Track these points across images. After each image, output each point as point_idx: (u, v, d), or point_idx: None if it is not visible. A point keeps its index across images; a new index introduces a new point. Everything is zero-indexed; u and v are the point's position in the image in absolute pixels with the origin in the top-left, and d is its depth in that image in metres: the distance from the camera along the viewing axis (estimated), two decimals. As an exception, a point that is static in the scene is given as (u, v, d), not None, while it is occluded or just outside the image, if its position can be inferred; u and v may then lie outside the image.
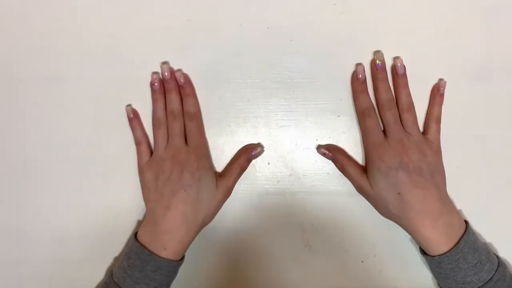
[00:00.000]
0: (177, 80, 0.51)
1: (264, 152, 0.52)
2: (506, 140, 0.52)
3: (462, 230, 0.47)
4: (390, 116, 0.49)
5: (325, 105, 0.52)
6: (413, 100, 0.50)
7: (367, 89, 0.51)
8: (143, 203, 0.51)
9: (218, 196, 0.50)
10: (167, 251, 0.47)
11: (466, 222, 0.48)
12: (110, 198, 0.53)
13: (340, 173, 0.52)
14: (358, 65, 0.51)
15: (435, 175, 0.48)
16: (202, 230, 0.51)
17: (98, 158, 0.53)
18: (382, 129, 0.50)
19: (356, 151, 0.52)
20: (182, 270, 0.51)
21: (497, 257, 0.47)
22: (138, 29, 0.52)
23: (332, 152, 0.51)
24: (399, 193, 0.46)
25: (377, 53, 0.50)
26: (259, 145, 0.52)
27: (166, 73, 0.51)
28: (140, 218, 0.53)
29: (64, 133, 0.53)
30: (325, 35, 0.52)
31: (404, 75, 0.50)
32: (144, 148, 0.51)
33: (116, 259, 0.53)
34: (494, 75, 0.52)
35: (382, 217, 0.50)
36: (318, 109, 0.52)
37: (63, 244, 0.53)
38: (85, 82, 0.53)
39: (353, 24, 0.52)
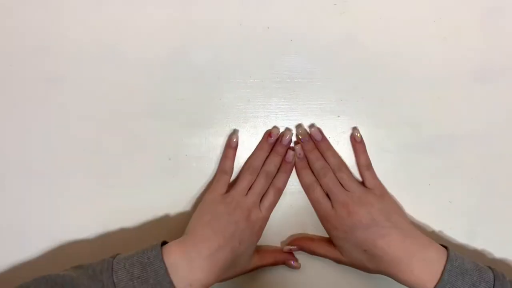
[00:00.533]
0: (286, 157, 0.51)
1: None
2: (506, 140, 0.52)
3: (443, 260, 0.44)
4: (328, 181, 0.50)
5: (325, 105, 0.52)
6: (413, 102, 0.50)
7: (307, 164, 0.52)
8: (143, 203, 0.51)
9: (248, 267, 0.50)
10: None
11: (446, 248, 0.46)
12: (110, 198, 0.53)
13: (340, 173, 0.52)
14: (296, 144, 0.52)
15: (390, 217, 0.48)
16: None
17: (98, 158, 0.53)
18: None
19: (356, 151, 0.52)
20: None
21: (492, 270, 0.44)
22: (138, 29, 0.52)
23: (296, 244, 0.52)
24: (365, 250, 0.47)
25: (299, 127, 0.52)
26: (298, 262, 0.52)
27: (286, 138, 0.51)
28: (140, 218, 0.53)
29: (64, 133, 0.53)
30: (325, 35, 0.52)
31: (324, 139, 0.51)
32: (227, 178, 0.51)
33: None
34: (494, 75, 0.52)
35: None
36: (318, 109, 0.52)
37: (63, 244, 0.53)
38: (85, 82, 0.53)
39: (353, 24, 0.52)
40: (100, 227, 0.53)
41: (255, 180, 0.51)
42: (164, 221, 0.53)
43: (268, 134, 0.52)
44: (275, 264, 0.52)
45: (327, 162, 0.51)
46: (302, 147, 0.51)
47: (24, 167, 0.53)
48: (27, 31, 0.53)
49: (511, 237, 0.51)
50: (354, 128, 0.52)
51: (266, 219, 0.51)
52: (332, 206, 0.49)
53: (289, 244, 0.52)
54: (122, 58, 0.52)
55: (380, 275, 0.48)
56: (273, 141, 0.51)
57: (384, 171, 0.52)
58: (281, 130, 0.52)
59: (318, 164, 0.51)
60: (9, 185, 0.53)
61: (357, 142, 0.51)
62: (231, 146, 0.52)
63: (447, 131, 0.51)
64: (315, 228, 0.53)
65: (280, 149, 0.51)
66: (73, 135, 0.53)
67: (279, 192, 0.52)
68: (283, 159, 0.52)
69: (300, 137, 0.51)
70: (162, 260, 0.43)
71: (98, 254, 0.52)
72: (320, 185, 0.51)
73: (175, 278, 0.43)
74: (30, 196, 0.53)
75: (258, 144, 0.52)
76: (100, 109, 0.53)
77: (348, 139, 0.52)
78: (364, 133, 0.51)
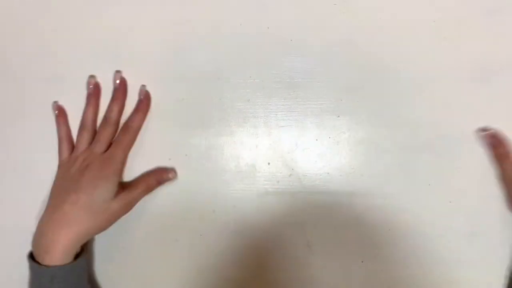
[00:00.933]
0: (139, 95, 0.51)
1: (264, 152, 0.52)
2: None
3: None
4: None
5: (325, 105, 0.52)
6: (413, 102, 0.50)
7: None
8: (143, 203, 0.51)
9: (113, 207, 0.48)
10: (50, 256, 0.45)
11: None
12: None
13: (340, 174, 0.52)
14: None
15: None
16: (202, 230, 0.51)
17: (98, 158, 0.53)
18: None
19: (356, 151, 0.52)
20: (181, 270, 0.51)
21: None
22: (138, 29, 0.52)
23: (491, 139, 0.50)
24: None
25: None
26: (172, 170, 0.52)
27: (117, 81, 0.51)
28: (140, 218, 0.53)
29: (64, 133, 0.53)
30: (325, 35, 0.52)
31: None
32: (65, 146, 0.51)
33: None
34: (493, 75, 0.52)
35: (382, 217, 0.51)
36: (318, 109, 0.52)
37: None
38: (85, 82, 0.53)
39: (353, 24, 0.52)
40: (100, 227, 0.53)
41: (96, 132, 0.50)
42: (164, 221, 0.53)
43: (87, 85, 0.51)
44: (148, 189, 0.50)
45: None
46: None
47: (24, 166, 0.53)
48: (27, 31, 0.53)
49: (511, 237, 0.51)
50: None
51: (113, 157, 0.49)
52: None
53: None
54: (122, 58, 0.52)
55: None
56: (92, 90, 0.51)
57: (384, 171, 0.52)
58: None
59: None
60: (9, 184, 0.53)
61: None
62: (56, 114, 0.52)
63: (447, 131, 0.51)
64: (315, 228, 0.53)
65: (117, 94, 0.51)
66: (73, 135, 0.53)
67: (129, 130, 0.50)
68: (139, 99, 0.51)
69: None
70: (28, 257, 0.46)
71: (98, 253, 0.53)
72: None
73: (38, 258, 0.45)
74: (30, 196, 0.53)
75: (86, 101, 0.52)
76: (100, 109, 0.53)
77: (349, 139, 0.52)
78: (364, 133, 0.51)
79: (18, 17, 0.53)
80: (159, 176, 0.51)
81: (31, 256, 0.47)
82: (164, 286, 0.50)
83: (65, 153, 0.51)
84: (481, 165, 0.51)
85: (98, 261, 0.53)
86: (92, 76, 0.51)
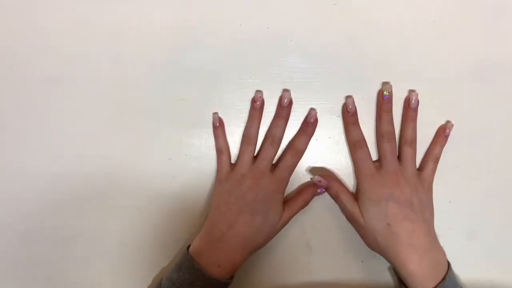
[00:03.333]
0: (307, 118, 0.51)
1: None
2: (506, 140, 0.52)
3: (446, 268, 0.46)
4: (388, 147, 0.49)
5: (325, 105, 0.52)
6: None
7: (358, 120, 0.51)
8: (143, 203, 0.51)
9: (278, 227, 0.50)
10: (220, 269, 0.46)
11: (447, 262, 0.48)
12: (110, 198, 0.53)
13: (340, 174, 0.52)
14: (348, 97, 0.51)
15: (425, 211, 0.48)
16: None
17: (98, 158, 0.53)
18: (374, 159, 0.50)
19: (356, 151, 0.52)
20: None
21: None
22: (138, 29, 0.52)
23: (326, 179, 0.51)
24: (388, 224, 0.47)
25: (386, 84, 0.50)
26: (325, 183, 0.50)
27: (285, 101, 0.51)
28: (140, 218, 0.53)
29: (64, 133, 0.53)
30: (325, 35, 0.52)
31: (416, 109, 0.50)
32: (225, 158, 0.51)
33: (164, 269, 0.53)
34: (493, 75, 0.52)
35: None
36: (318, 109, 0.52)
37: (63, 244, 0.53)
38: (85, 82, 0.53)
39: (353, 24, 0.52)
40: (101, 227, 0.53)
41: (260, 148, 0.50)
42: (164, 220, 0.53)
43: (252, 100, 0.51)
44: (305, 205, 0.51)
45: (402, 131, 0.50)
46: (379, 103, 0.50)
47: (23, 166, 0.53)
48: (27, 31, 0.53)
49: (511, 237, 0.51)
50: (449, 122, 0.51)
51: (282, 180, 0.50)
52: (377, 170, 0.49)
53: (321, 176, 0.50)
54: (122, 58, 0.52)
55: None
56: (258, 106, 0.51)
57: (384, 171, 0.52)
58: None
59: (388, 127, 0.49)
60: (9, 184, 0.53)
61: (444, 134, 0.50)
62: (215, 126, 0.52)
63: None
64: (315, 228, 0.53)
65: (281, 111, 0.51)
66: (73, 135, 0.53)
67: (297, 154, 0.51)
68: (305, 120, 0.51)
69: (386, 93, 0.50)
70: (188, 255, 0.47)
71: (99, 253, 0.53)
72: (367, 146, 0.50)
73: (203, 263, 0.46)
74: (30, 196, 0.53)
75: (249, 114, 0.51)
76: (100, 109, 0.53)
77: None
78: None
79: (18, 17, 0.53)
80: (315, 191, 0.51)
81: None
82: (164, 286, 0.50)
83: (226, 166, 0.51)
84: (481, 165, 0.51)
85: (98, 260, 0.53)
86: (259, 91, 0.51)
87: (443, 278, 0.45)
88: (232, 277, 0.48)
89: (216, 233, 0.47)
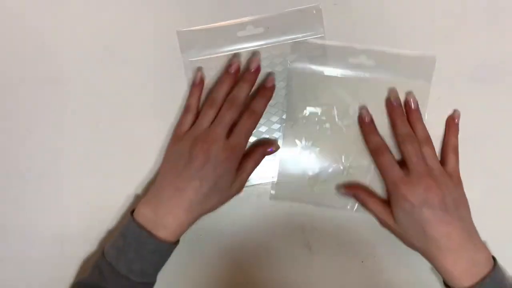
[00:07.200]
0: (266, 82, 0.50)
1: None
2: (506, 140, 0.52)
3: (488, 268, 0.46)
4: (412, 150, 0.48)
5: (325, 105, 0.52)
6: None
7: (375, 128, 0.50)
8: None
9: (230, 193, 0.49)
10: (167, 231, 0.46)
11: (494, 259, 0.47)
12: (110, 198, 0.53)
13: (340, 173, 0.52)
14: (362, 108, 0.51)
15: (459, 207, 0.47)
16: (201, 232, 0.52)
17: (98, 158, 0.53)
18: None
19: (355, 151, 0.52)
20: (181, 271, 0.51)
21: None
22: (138, 29, 0.52)
23: (352, 190, 0.50)
24: (424, 230, 0.46)
25: (391, 91, 0.50)
26: (275, 142, 0.51)
27: (254, 64, 0.50)
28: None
29: (64, 133, 0.53)
30: (325, 35, 0.52)
31: (417, 109, 0.50)
32: (190, 117, 0.50)
33: (110, 233, 0.52)
34: (494, 75, 0.52)
35: (382, 217, 0.51)
36: (318, 109, 0.52)
37: (63, 244, 0.53)
38: (85, 82, 0.53)
39: (353, 24, 0.52)
40: (100, 227, 0.53)
41: (219, 111, 0.48)
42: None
43: (228, 65, 0.50)
44: (256, 165, 0.50)
45: (415, 136, 0.49)
46: (390, 110, 0.50)
47: (24, 166, 0.53)
48: (27, 31, 0.53)
49: (511, 237, 0.51)
50: (456, 110, 0.51)
51: (236, 147, 0.48)
52: (406, 175, 0.47)
53: (346, 187, 0.51)
54: (122, 58, 0.52)
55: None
56: (234, 71, 0.50)
57: (384, 171, 0.52)
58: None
59: (406, 130, 0.49)
60: (9, 184, 0.53)
61: (454, 123, 0.50)
62: (195, 83, 0.51)
63: (447, 131, 0.51)
64: (315, 228, 0.53)
65: (248, 76, 0.49)
66: (73, 135, 0.53)
67: (254, 115, 0.49)
68: (263, 85, 0.50)
69: (392, 100, 0.50)
70: (133, 221, 0.46)
71: (97, 253, 0.53)
72: (390, 151, 0.49)
73: (149, 228, 0.46)
74: (30, 196, 0.53)
75: (220, 77, 0.50)
76: (100, 109, 0.53)
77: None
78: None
79: (18, 17, 0.53)
80: (265, 150, 0.51)
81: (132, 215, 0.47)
82: (164, 286, 0.50)
83: (187, 125, 0.49)
84: (481, 165, 0.51)
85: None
86: (236, 57, 0.50)
87: (482, 279, 0.45)
88: (177, 242, 0.48)
89: (163, 197, 0.47)
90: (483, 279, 0.45)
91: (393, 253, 0.52)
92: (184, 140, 0.48)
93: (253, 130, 0.49)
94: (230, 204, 0.52)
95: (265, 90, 0.50)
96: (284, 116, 0.52)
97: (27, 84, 0.53)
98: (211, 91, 0.50)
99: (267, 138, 0.50)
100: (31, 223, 0.53)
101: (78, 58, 0.53)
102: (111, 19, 0.52)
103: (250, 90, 0.50)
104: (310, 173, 0.52)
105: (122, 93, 0.52)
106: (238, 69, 0.50)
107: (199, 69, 0.51)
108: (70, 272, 0.52)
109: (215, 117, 0.48)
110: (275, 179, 0.52)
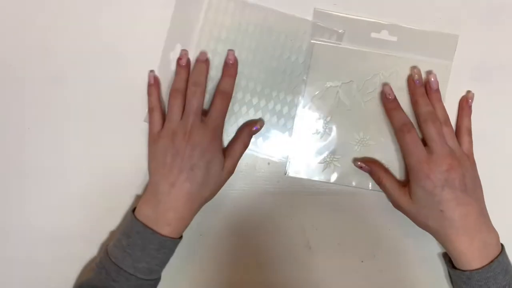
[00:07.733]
0: (227, 59, 0.51)
1: (264, 152, 0.52)
2: (506, 140, 0.52)
3: (497, 251, 0.46)
4: (434, 129, 0.47)
5: (325, 105, 0.52)
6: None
7: (399, 105, 0.50)
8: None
9: (224, 177, 0.50)
10: (170, 228, 0.47)
11: (501, 244, 0.47)
12: (110, 199, 0.53)
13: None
14: (385, 85, 0.50)
15: (476, 189, 0.47)
16: (202, 230, 0.51)
17: (98, 158, 0.53)
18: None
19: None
20: (182, 270, 0.51)
21: None
22: (138, 29, 0.52)
23: (368, 165, 0.50)
24: (441, 210, 0.46)
25: (415, 68, 0.50)
26: (259, 120, 0.52)
27: (230, 57, 0.51)
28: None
29: (64, 133, 0.53)
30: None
31: (438, 90, 0.50)
32: (157, 115, 0.50)
33: (112, 233, 0.53)
34: (494, 75, 0.52)
35: (382, 217, 0.51)
36: (318, 109, 0.52)
37: (63, 244, 0.53)
38: (85, 82, 0.53)
39: (353, 24, 0.52)
40: (101, 227, 0.53)
41: (186, 100, 0.49)
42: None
43: (178, 58, 0.51)
44: (245, 147, 0.51)
45: None
46: (412, 89, 0.50)
47: (24, 166, 0.53)
48: (27, 31, 0.53)
49: (511, 237, 0.51)
50: (469, 91, 0.51)
51: (215, 128, 0.49)
52: (428, 153, 0.47)
53: (363, 161, 0.51)
54: (122, 58, 0.52)
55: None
56: (184, 62, 0.50)
57: (384, 171, 0.52)
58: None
59: (428, 109, 0.48)
60: (9, 184, 0.53)
61: (467, 105, 0.50)
62: (150, 83, 0.51)
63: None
64: (315, 228, 0.53)
65: (201, 57, 0.50)
66: (73, 135, 0.53)
67: (225, 96, 0.50)
68: (225, 62, 0.51)
69: (416, 77, 0.50)
70: (136, 220, 0.47)
71: (98, 253, 0.53)
72: (415, 129, 0.48)
73: (152, 226, 0.47)
74: (30, 196, 0.53)
75: (175, 71, 0.51)
76: (100, 109, 0.53)
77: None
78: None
79: (18, 17, 0.53)
80: (250, 130, 0.51)
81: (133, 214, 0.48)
82: (164, 286, 0.50)
83: (158, 124, 0.50)
84: (481, 165, 0.51)
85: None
86: (183, 50, 0.51)
87: (492, 261, 0.45)
88: (181, 236, 0.49)
89: (160, 194, 0.47)
90: (492, 261, 0.45)
91: (393, 253, 0.52)
92: (163, 137, 0.48)
93: (226, 110, 0.50)
94: (231, 204, 0.52)
95: (229, 68, 0.51)
96: (303, 91, 0.52)
97: (28, 84, 0.53)
98: (172, 85, 0.51)
99: (251, 119, 0.51)
100: (32, 223, 0.53)
101: (78, 58, 0.53)
102: (111, 18, 0.52)
103: (207, 69, 0.51)
104: (326, 150, 0.52)
105: (122, 93, 0.52)
106: (188, 61, 0.51)
107: (151, 71, 0.52)
108: (70, 272, 0.52)
109: (183, 106, 0.49)
110: (290, 156, 0.52)
